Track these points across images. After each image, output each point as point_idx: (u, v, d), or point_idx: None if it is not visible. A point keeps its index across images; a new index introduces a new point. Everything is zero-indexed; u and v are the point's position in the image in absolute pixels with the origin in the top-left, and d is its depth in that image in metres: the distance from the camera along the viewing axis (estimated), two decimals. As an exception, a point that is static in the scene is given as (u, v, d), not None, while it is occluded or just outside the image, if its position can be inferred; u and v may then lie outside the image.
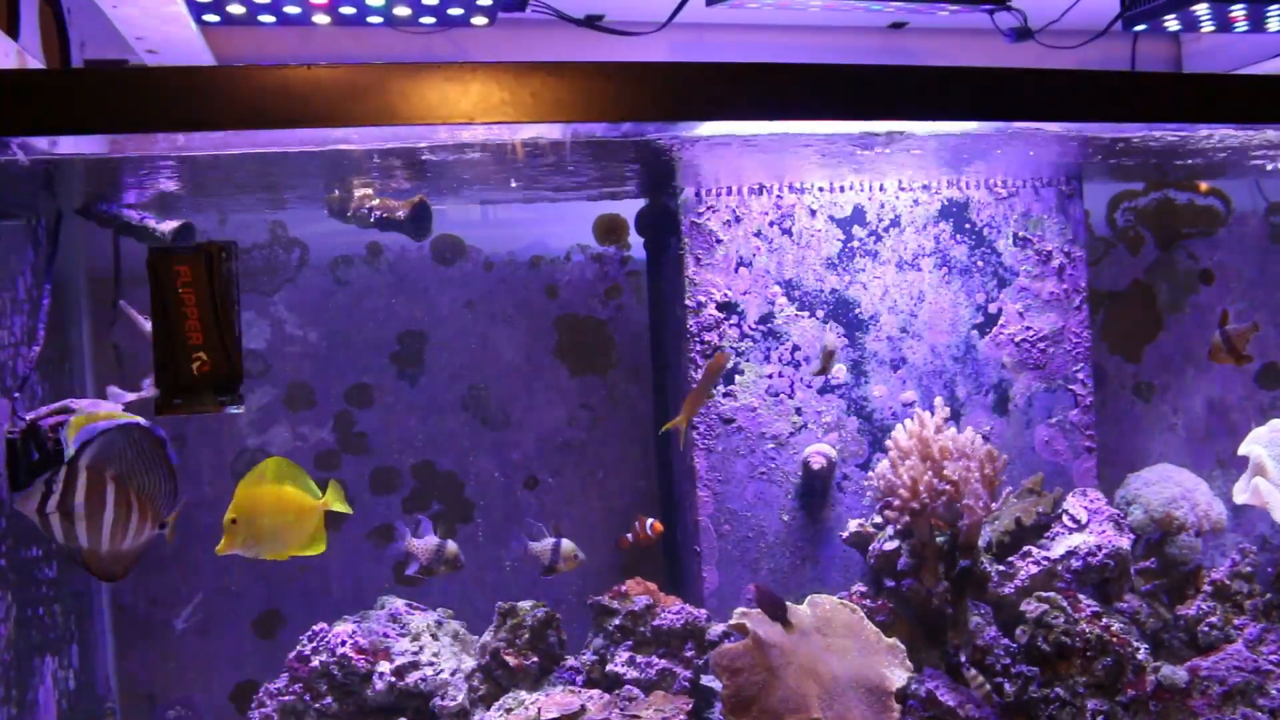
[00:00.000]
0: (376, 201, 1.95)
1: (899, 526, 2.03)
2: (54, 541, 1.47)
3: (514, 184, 2.13)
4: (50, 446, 1.57)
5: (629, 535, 2.09)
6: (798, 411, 2.19)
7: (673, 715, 1.85)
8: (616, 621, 2.02)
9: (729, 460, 2.16)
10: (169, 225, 1.86)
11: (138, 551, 1.51)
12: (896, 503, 1.99)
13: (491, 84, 1.27)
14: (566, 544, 2.00)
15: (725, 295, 2.16)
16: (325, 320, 2.36)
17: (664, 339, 2.37)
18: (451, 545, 2.00)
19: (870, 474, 2.11)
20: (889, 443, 2.03)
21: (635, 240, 2.42)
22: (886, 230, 2.23)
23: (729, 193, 2.16)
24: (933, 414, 2.02)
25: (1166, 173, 2.50)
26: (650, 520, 2.07)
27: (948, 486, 1.94)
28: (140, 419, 1.52)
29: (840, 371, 2.21)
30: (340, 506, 1.76)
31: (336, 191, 1.97)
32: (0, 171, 1.53)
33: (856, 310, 2.21)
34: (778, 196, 2.18)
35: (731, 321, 2.16)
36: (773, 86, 1.39)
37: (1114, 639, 1.98)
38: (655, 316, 2.44)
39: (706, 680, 2.00)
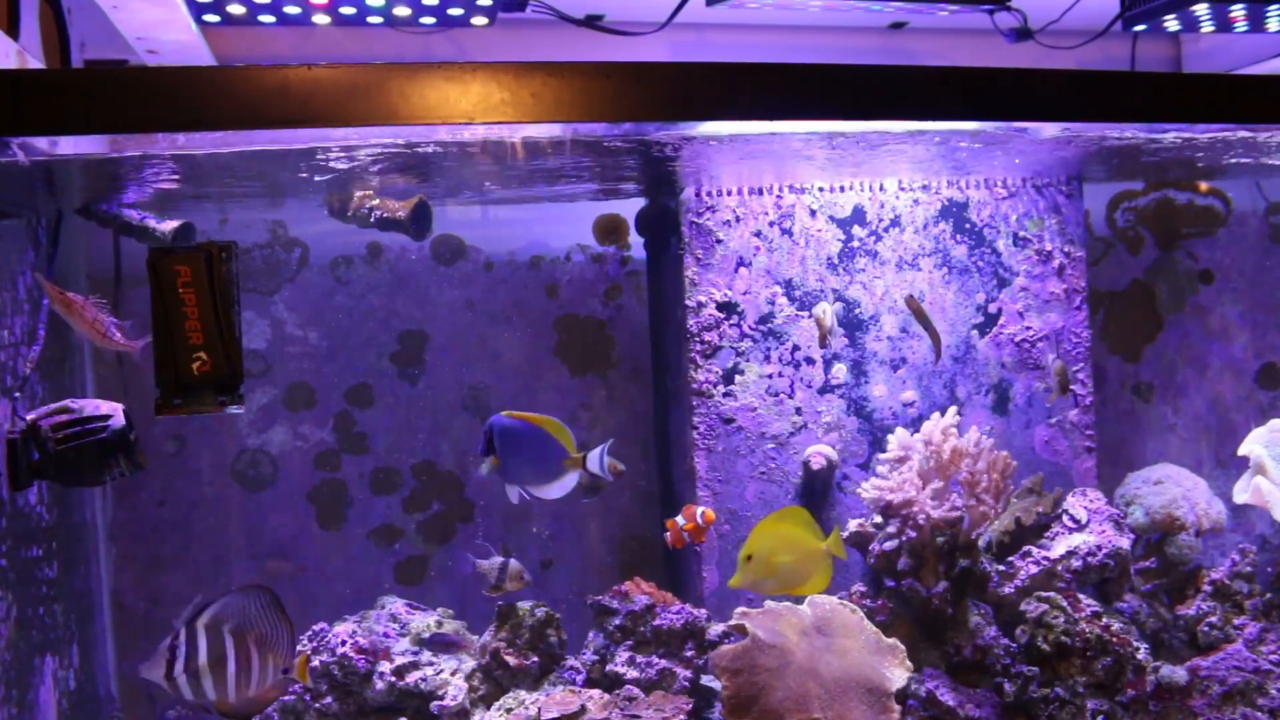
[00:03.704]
0: (376, 201, 1.95)
1: (904, 540, 2.03)
2: (183, 700, 1.55)
3: (516, 185, 2.13)
4: (50, 447, 1.57)
5: (674, 529, 1.96)
6: (798, 411, 2.19)
7: (673, 715, 1.85)
8: (616, 621, 2.02)
9: (729, 460, 2.16)
10: (169, 225, 1.86)
11: (267, 695, 1.61)
12: (893, 528, 2.01)
13: (491, 84, 1.27)
14: (513, 564, 1.99)
15: (725, 295, 2.16)
16: (325, 320, 2.36)
17: (664, 339, 2.37)
18: (515, 563, 2.00)
19: (861, 487, 2.09)
20: (880, 469, 2.03)
21: (635, 240, 2.42)
22: (886, 230, 2.23)
23: (729, 193, 2.16)
24: (929, 416, 2.03)
25: (1166, 171, 2.51)
26: (700, 509, 1.96)
27: (952, 514, 1.95)
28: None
29: (840, 371, 2.21)
30: (840, 552, 1.85)
31: (336, 191, 1.97)
32: (0, 171, 1.53)
33: (856, 310, 2.21)
34: (778, 196, 2.18)
35: (731, 321, 2.16)
36: (773, 86, 1.39)
37: (1114, 639, 1.98)
38: (655, 316, 2.44)
39: (706, 680, 2.00)
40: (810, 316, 2.18)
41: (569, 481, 1.81)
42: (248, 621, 1.56)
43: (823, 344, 2.12)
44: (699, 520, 1.95)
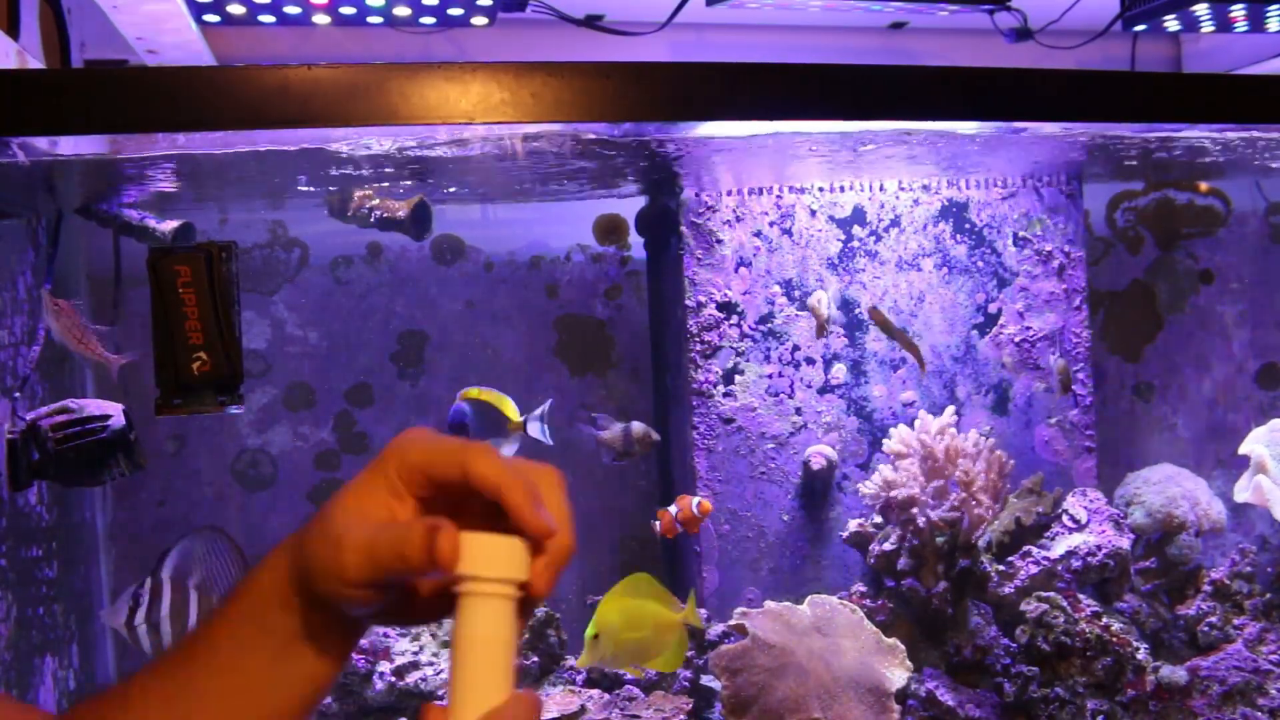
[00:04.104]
0: (376, 201, 1.95)
1: (905, 541, 2.03)
2: (143, 652, 1.51)
3: (514, 185, 2.13)
4: (50, 447, 1.57)
5: (665, 518, 1.92)
6: (798, 411, 2.19)
7: (673, 715, 1.85)
8: (616, 621, 2.02)
9: (729, 460, 2.16)
10: (169, 225, 1.86)
11: None
12: (893, 529, 2.00)
13: (491, 84, 1.26)
14: None
15: (725, 295, 2.16)
16: (325, 320, 2.36)
17: (664, 339, 2.37)
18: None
19: (864, 485, 2.09)
20: (879, 472, 2.03)
21: (635, 240, 2.41)
22: (886, 230, 2.23)
23: (729, 193, 2.16)
24: (937, 417, 2.02)
25: (1168, 170, 2.50)
26: (696, 499, 1.91)
27: (951, 514, 1.95)
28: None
29: (840, 371, 2.21)
30: (696, 622, 1.75)
31: (336, 191, 1.97)
32: (0, 171, 1.53)
33: (857, 310, 2.21)
34: (778, 196, 2.18)
35: (731, 321, 2.16)
36: (773, 86, 1.39)
37: (1114, 639, 1.98)
38: (655, 316, 2.44)
39: (706, 680, 2.00)
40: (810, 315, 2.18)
41: (512, 447, 1.82)
42: (214, 576, 1.53)
43: (821, 334, 2.12)
44: (694, 510, 1.92)
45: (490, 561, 0.60)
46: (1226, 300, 2.71)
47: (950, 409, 2.06)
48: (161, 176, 1.72)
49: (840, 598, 2.04)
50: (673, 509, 1.93)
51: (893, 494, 1.99)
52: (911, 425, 2.05)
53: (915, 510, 1.97)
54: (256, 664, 0.66)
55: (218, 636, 0.68)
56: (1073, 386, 2.27)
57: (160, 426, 2.25)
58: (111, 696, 0.71)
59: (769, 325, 2.18)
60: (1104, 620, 2.01)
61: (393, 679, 1.97)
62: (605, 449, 1.96)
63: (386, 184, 1.92)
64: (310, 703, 0.69)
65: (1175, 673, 2.02)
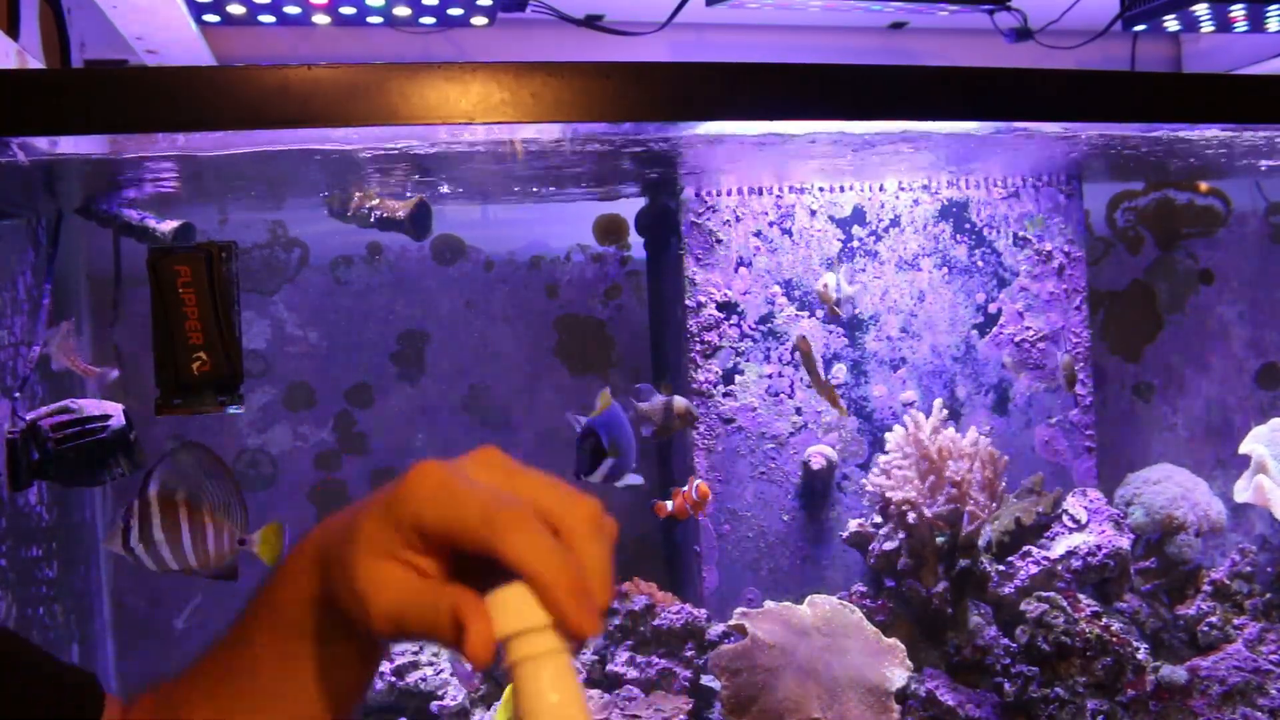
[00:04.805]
0: (376, 201, 1.95)
1: (901, 539, 2.03)
2: (148, 570, 1.52)
3: (514, 186, 2.13)
4: (50, 447, 1.57)
5: (677, 499, 1.91)
6: (798, 411, 2.19)
7: (673, 715, 1.85)
8: (616, 621, 2.02)
9: (729, 460, 2.16)
10: (169, 225, 1.85)
11: (228, 557, 1.54)
12: (889, 528, 2.00)
13: (491, 84, 1.26)
14: None
15: (725, 295, 2.16)
16: (325, 320, 2.36)
17: (664, 339, 2.37)
18: None
19: (865, 480, 2.09)
20: (880, 461, 2.03)
21: (635, 240, 2.41)
22: (886, 230, 2.23)
23: (729, 193, 2.16)
24: (929, 416, 2.02)
25: (1167, 172, 2.50)
26: (697, 481, 1.90)
27: (946, 508, 1.95)
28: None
29: (840, 371, 2.21)
30: None
31: (336, 192, 1.97)
32: (0, 171, 1.53)
33: (856, 310, 2.21)
34: (778, 196, 2.18)
35: (731, 321, 2.16)
36: (773, 86, 1.39)
37: (1114, 639, 1.98)
38: (655, 316, 2.44)
39: (706, 680, 2.00)
40: (812, 315, 2.18)
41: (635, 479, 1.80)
42: (199, 489, 1.51)
43: (834, 316, 2.10)
44: (694, 495, 1.90)
45: (525, 615, 0.56)
46: (1226, 300, 2.71)
47: (939, 402, 2.06)
48: (162, 177, 1.72)
49: (840, 598, 2.04)
50: (685, 488, 1.92)
51: (889, 493, 1.99)
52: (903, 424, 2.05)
53: (908, 509, 1.97)
54: (305, 669, 0.67)
55: (262, 656, 0.68)
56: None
57: (160, 426, 2.25)
58: (162, 698, 0.72)
59: (769, 325, 2.18)
60: (1104, 620, 2.01)
61: (393, 679, 1.97)
62: (644, 421, 1.91)
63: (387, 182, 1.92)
64: (359, 695, 0.69)
65: (1175, 673, 2.02)
